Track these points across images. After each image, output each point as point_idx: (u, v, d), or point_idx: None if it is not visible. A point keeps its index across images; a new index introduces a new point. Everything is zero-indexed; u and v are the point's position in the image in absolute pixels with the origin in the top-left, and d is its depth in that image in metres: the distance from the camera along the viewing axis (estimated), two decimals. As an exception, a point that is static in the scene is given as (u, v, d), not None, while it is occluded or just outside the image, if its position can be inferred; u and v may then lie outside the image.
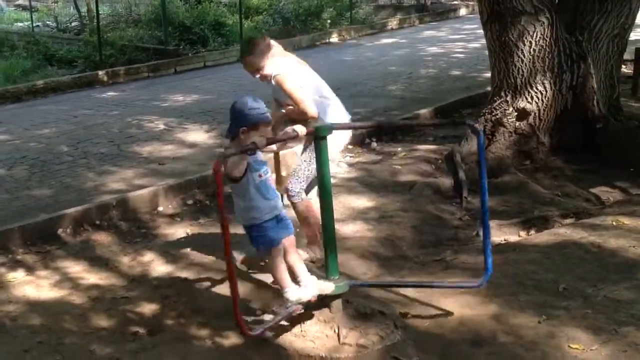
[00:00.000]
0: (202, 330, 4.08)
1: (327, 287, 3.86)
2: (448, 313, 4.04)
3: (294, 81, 4.55)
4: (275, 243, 3.81)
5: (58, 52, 14.23)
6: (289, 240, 3.91)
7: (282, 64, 4.61)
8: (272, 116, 4.17)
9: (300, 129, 3.94)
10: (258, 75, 4.60)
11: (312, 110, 4.50)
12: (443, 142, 7.61)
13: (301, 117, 4.52)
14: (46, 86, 11.72)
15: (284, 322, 3.98)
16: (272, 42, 4.67)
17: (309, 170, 4.59)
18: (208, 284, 4.70)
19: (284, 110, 4.72)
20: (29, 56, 13.96)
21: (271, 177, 3.96)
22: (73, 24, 17.69)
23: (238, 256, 4.85)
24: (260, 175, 3.75)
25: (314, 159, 4.01)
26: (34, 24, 17.55)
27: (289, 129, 3.99)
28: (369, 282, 4.55)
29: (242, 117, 3.69)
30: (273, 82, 4.60)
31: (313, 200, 4.66)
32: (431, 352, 3.70)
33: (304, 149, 4.66)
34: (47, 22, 18.31)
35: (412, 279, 4.62)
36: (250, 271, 4.78)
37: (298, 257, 3.99)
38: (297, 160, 4.74)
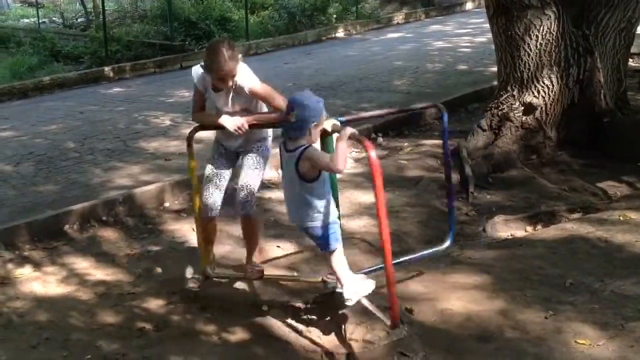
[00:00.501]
0: (208, 326, 4.09)
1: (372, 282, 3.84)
2: (454, 307, 4.04)
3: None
4: (339, 241, 3.79)
5: (64, 48, 14.26)
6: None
7: (246, 73, 4.28)
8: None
9: (345, 128, 3.68)
10: (230, 83, 4.19)
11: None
12: (449, 137, 7.56)
13: (270, 120, 4.32)
14: (52, 82, 11.74)
15: (290, 319, 4.00)
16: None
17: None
18: (214, 279, 4.70)
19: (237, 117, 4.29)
20: (35, 52, 14.00)
21: None
22: (79, 20, 17.73)
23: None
24: (323, 176, 3.69)
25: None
26: (40, 20, 17.58)
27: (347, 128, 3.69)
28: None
29: (312, 111, 3.57)
30: (247, 88, 4.23)
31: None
32: (437, 347, 3.70)
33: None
34: (53, 19, 18.33)
35: (420, 273, 4.60)
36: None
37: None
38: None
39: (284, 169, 3.81)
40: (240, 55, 4.21)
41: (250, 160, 4.42)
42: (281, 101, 4.20)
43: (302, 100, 3.59)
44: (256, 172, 4.41)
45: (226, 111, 4.32)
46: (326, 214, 3.70)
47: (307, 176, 3.63)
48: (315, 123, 3.58)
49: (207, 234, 4.53)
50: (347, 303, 3.76)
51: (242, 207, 4.37)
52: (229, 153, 4.53)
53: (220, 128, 4.31)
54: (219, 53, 4.05)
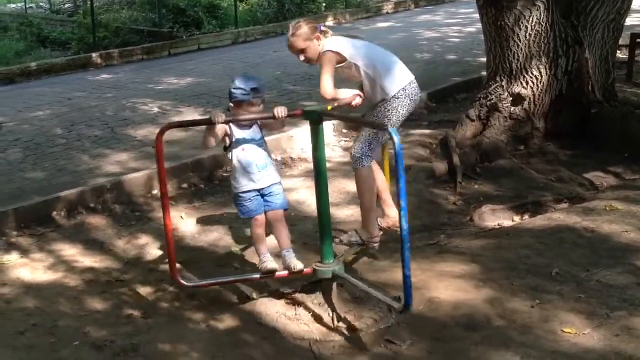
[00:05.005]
0: (196, 314, 4.10)
1: (296, 265, 4.06)
2: (441, 296, 4.06)
3: (327, 60, 4.46)
4: (252, 213, 4.11)
5: (51, 34, 14.17)
6: (275, 214, 4.16)
7: (330, 43, 4.51)
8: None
9: (279, 110, 3.91)
10: (303, 58, 4.55)
11: (324, 89, 4.38)
12: (438, 127, 7.60)
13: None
14: (39, 68, 11.66)
15: (279, 307, 4.01)
16: (323, 26, 4.60)
17: (369, 135, 4.53)
18: (202, 267, 4.70)
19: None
20: (22, 38, 13.91)
21: (260, 153, 4.07)
22: (66, 5, 17.61)
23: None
24: (243, 149, 4.04)
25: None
26: (27, 5, 17.45)
27: (273, 108, 3.95)
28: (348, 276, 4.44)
29: (229, 94, 4.02)
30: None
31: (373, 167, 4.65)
32: (425, 335, 3.72)
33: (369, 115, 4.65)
34: (41, 4, 18.21)
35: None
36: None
37: (282, 231, 4.18)
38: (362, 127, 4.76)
39: None
40: (314, 32, 4.46)
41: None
42: (321, 75, 4.41)
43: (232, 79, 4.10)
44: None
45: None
46: (232, 185, 4.14)
47: (205, 145, 4.14)
48: (231, 105, 4.03)
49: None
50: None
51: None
52: None
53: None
54: (288, 31, 4.50)
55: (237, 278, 4.23)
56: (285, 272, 4.11)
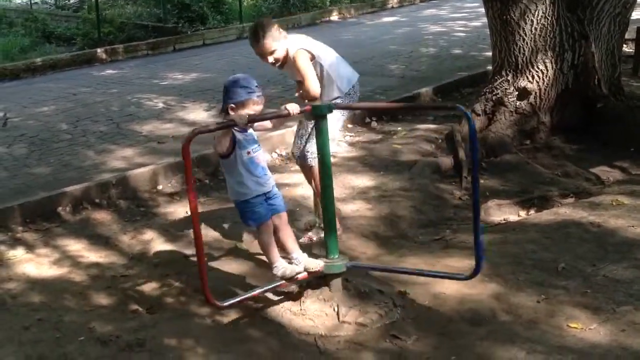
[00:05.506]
0: (201, 309, 4.09)
1: (316, 264, 3.94)
2: (447, 291, 4.05)
3: (305, 59, 4.52)
4: (263, 219, 3.91)
5: (56, 30, 14.18)
6: (279, 218, 4.00)
7: (297, 41, 4.57)
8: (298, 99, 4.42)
9: (293, 108, 3.88)
10: (272, 60, 4.51)
11: (314, 89, 4.46)
12: (443, 122, 7.59)
13: (306, 96, 4.51)
14: (44, 64, 11.67)
15: (284, 302, 4.01)
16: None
17: (310, 129, 4.59)
18: (207, 262, 4.70)
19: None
20: (27, 33, 13.92)
21: (262, 155, 3.99)
22: (71, 1, 17.60)
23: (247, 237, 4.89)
24: (248, 153, 3.83)
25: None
26: (32, 1, 17.45)
27: (282, 107, 3.96)
28: (366, 265, 4.51)
29: (231, 94, 3.79)
30: (291, 59, 4.54)
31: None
32: (430, 330, 3.72)
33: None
34: (46, -1, 18.22)
35: (412, 258, 4.61)
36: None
37: (290, 234, 4.06)
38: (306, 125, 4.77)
39: None
40: (280, 32, 4.47)
41: None
42: (307, 75, 4.45)
43: (225, 83, 3.86)
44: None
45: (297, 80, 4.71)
46: (239, 192, 3.88)
47: (221, 153, 3.82)
48: (232, 105, 3.77)
49: None
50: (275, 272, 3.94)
51: None
52: None
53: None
54: (253, 35, 4.44)
55: (265, 288, 3.99)
56: (305, 274, 4.00)
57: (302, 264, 3.96)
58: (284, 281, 3.96)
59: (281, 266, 3.93)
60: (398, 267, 4.40)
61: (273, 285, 3.98)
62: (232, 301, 3.83)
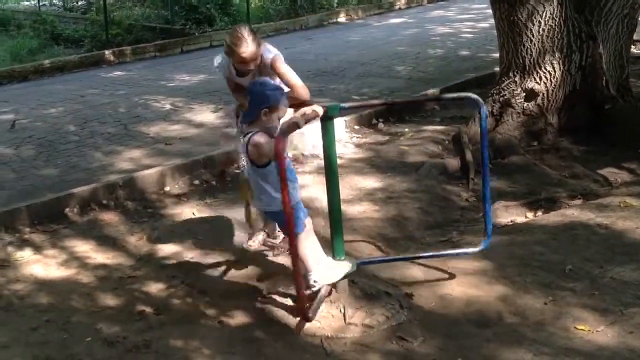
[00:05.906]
0: (208, 310, 4.10)
1: (348, 266, 3.89)
2: (453, 292, 4.05)
3: (284, 63, 4.38)
4: (305, 223, 3.81)
5: (64, 31, 14.20)
6: (309, 222, 3.90)
7: (269, 47, 4.44)
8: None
9: (318, 108, 3.77)
10: (252, 66, 4.33)
11: (306, 91, 4.35)
12: (450, 123, 7.58)
13: (298, 99, 4.33)
14: (53, 65, 11.70)
15: (290, 303, 4.02)
16: None
17: None
18: (214, 264, 4.71)
19: None
20: (35, 35, 13.95)
21: None
22: (79, 2, 17.61)
23: (244, 239, 4.89)
24: (286, 158, 3.68)
25: None
26: (41, 3, 17.49)
27: (307, 109, 3.80)
28: (376, 259, 4.53)
29: (265, 98, 3.65)
30: (266, 65, 4.37)
31: None
32: (437, 332, 3.71)
33: None
34: (54, 1, 18.23)
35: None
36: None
37: (316, 240, 3.95)
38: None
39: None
40: (261, 38, 4.35)
41: None
42: (297, 80, 4.32)
43: (251, 87, 3.75)
44: None
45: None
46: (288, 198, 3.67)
47: (258, 162, 3.66)
48: (265, 110, 3.62)
49: None
50: (311, 287, 3.82)
51: None
52: None
53: None
54: (239, 38, 4.18)
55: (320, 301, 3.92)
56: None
57: (339, 267, 3.91)
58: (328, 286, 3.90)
59: (321, 273, 3.83)
60: (408, 255, 4.38)
61: (323, 293, 3.92)
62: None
